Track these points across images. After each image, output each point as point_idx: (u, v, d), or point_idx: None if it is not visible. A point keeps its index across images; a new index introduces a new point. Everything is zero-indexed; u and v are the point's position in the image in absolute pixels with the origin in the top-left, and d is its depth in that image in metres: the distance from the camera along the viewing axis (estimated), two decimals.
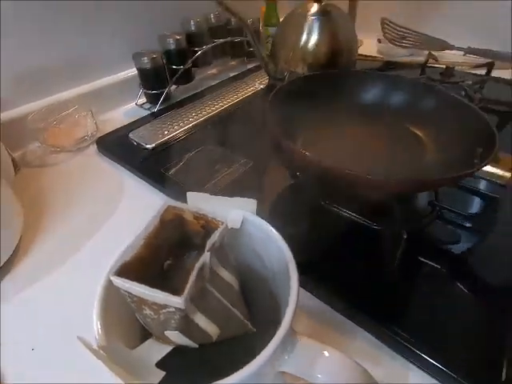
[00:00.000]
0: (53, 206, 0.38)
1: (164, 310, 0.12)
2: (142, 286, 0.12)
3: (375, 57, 0.76)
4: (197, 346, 0.15)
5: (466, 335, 0.22)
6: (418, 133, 0.34)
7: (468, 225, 0.30)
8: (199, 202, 0.17)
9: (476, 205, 0.32)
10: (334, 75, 0.38)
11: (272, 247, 0.17)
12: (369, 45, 0.83)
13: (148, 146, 0.45)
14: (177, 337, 0.14)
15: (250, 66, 0.71)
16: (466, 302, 0.25)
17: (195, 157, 0.42)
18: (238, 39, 0.61)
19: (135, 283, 0.12)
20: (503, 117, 0.50)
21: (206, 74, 0.69)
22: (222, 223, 0.15)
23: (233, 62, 0.73)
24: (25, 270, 0.31)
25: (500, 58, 0.68)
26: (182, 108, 0.54)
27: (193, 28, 0.59)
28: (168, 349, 0.14)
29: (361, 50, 0.82)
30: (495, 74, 0.60)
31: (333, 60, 0.44)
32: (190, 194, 0.17)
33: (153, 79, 0.55)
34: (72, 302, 0.27)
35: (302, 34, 0.44)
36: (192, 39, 0.59)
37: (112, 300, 0.14)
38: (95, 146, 0.47)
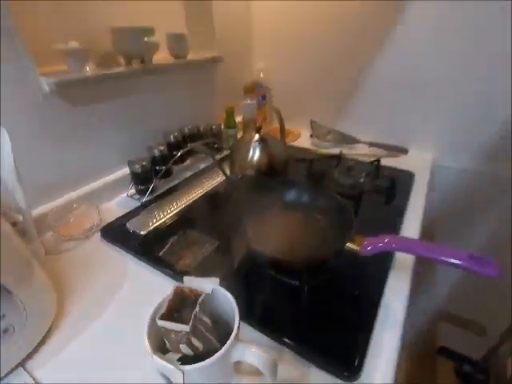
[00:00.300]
0: (67, 287, 0.51)
1: (180, 333, 0.29)
2: (174, 323, 0.28)
3: (308, 149, 1.02)
4: (192, 354, 0.31)
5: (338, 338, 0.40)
6: (321, 219, 0.55)
7: (347, 277, 0.49)
8: (191, 281, 0.34)
9: (354, 265, 0.51)
10: (269, 183, 0.59)
11: (229, 305, 0.34)
12: (305, 137, 1.10)
13: (142, 233, 0.61)
14: (185, 348, 0.30)
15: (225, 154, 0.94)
16: (341, 321, 0.43)
17: (178, 240, 0.59)
18: (206, 141, 0.83)
19: (171, 322, 0.28)
20: (388, 197, 0.74)
21: (182, 166, 0.89)
22: (203, 293, 0.32)
23: (203, 156, 0.95)
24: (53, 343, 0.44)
25: (392, 149, 0.97)
26: (165, 199, 0.73)
27: (172, 139, 0.81)
28: (179, 355, 0.30)
29: (299, 142, 1.10)
30: (391, 161, 0.88)
31: (271, 168, 0.66)
32: (185, 278, 0.34)
33: (142, 179, 0.74)
34: (93, 363, 0.41)
35: (249, 152, 0.67)
36: (171, 146, 0.80)
37: (151, 332, 0.30)
38: (99, 234, 0.63)
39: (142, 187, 0.75)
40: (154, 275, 0.53)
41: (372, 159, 0.86)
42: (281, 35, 1.07)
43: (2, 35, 0.51)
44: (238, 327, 0.31)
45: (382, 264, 0.52)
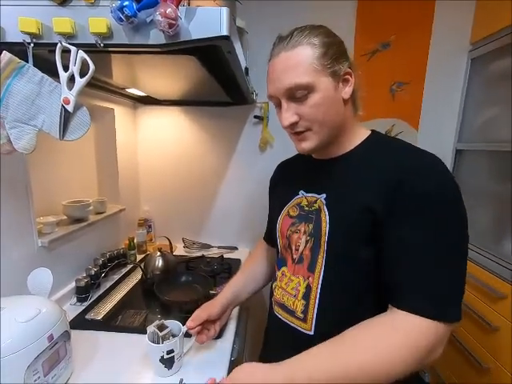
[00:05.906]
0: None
1: (166, 335, 0.85)
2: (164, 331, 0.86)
3: (184, 255, 1.69)
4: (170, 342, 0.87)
5: None
6: (197, 286, 1.20)
7: None
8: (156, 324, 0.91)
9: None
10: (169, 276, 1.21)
11: (177, 325, 0.92)
12: (180, 248, 1.77)
13: (99, 318, 1.06)
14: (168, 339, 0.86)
15: (131, 266, 1.45)
16: None
17: (123, 316, 1.08)
18: (122, 262, 1.37)
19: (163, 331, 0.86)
20: (229, 273, 1.47)
21: (109, 277, 1.35)
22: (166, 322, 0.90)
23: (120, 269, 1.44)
24: None
25: (229, 248, 1.77)
26: (104, 298, 1.19)
27: (100, 262, 1.30)
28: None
29: (177, 251, 1.75)
30: (229, 254, 1.64)
31: (167, 268, 1.29)
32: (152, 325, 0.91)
33: (84, 290, 1.18)
34: None
35: (155, 261, 1.28)
36: (101, 266, 1.29)
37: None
38: None
39: (83, 296, 1.18)
40: (117, 336, 0.99)
41: (219, 255, 1.62)
42: (157, 186, 1.81)
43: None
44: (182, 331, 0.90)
45: None
